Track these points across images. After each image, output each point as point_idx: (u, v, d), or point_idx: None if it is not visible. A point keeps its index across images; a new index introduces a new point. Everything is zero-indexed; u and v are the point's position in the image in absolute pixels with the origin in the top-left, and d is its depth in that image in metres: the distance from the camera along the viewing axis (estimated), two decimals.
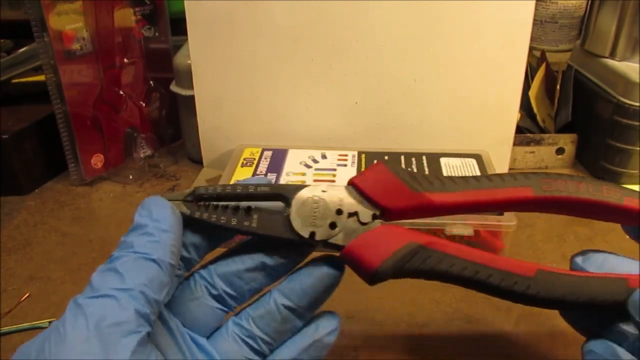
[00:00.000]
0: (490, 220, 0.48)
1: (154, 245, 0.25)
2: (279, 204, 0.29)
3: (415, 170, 0.55)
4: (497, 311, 0.43)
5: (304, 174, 0.55)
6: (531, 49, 0.63)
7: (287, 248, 0.29)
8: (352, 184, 0.29)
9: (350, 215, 0.29)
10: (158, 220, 0.26)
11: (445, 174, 0.54)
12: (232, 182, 0.54)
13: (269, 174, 0.55)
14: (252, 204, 0.29)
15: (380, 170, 0.29)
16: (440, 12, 0.55)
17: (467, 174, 0.54)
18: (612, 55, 0.59)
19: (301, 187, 0.29)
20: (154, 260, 0.25)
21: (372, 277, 0.28)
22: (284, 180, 0.54)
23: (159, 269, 0.25)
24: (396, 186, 0.29)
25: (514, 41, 0.56)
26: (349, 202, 0.29)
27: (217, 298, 0.29)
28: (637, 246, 0.50)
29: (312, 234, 0.28)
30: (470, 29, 0.56)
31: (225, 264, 0.29)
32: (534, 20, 0.58)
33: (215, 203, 0.29)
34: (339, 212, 0.29)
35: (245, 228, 0.28)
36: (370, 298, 0.44)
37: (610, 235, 0.52)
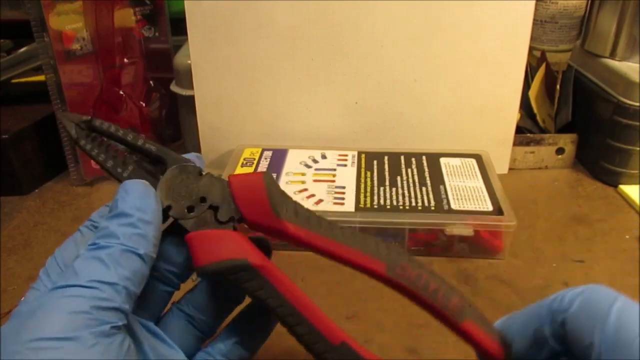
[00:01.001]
0: (490, 220, 0.48)
1: (139, 239, 0.25)
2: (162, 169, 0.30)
3: (415, 170, 0.55)
4: (497, 311, 0.43)
5: (303, 174, 0.55)
6: (531, 49, 0.63)
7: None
8: (228, 180, 0.29)
9: (212, 207, 0.29)
10: (142, 210, 0.26)
11: (445, 174, 0.55)
12: None
13: None
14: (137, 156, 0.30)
15: (258, 180, 0.29)
16: (440, 12, 0.55)
17: (467, 174, 0.55)
18: (612, 55, 0.59)
19: (183, 160, 0.30)
20: (139, 255, 0.25)
21: (197, 271, 0.28)
22: (284, 180, 0.54)
23: (143, 264, 0.25)
24: (263, 202, 0.28)
25: (514, 41, 0.56)
26: (216, 195, 0.29)
27: (162, 279, 0.29)
28: (637, 246, 0.50)
29: (168, 207, 0.29)
30: (470, 29, 0.56)
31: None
32: (534, 20, 0.58)
33: (105, 140, 0.30)
34: (203, 199, 0.29)
35: (116, 174, 0.29)
36: (370, 298, 0.44)
37: (610, 235, 0.52)
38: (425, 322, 0.43)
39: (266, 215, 0.28)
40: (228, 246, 0.28)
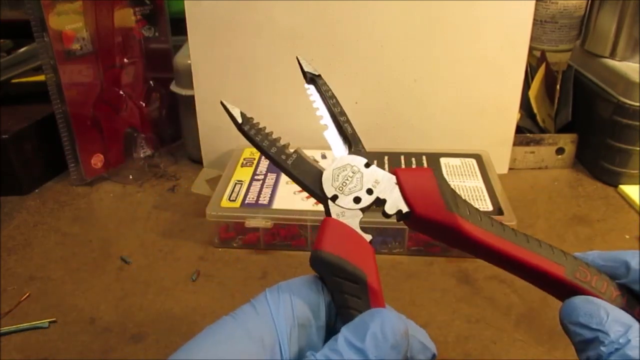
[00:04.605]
0: None
1: None
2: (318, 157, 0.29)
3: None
4: (497, 311, 0.43)
5: None
6: (531, 49, 0.63)
7: None
8: (394, 173, 0.29)
9: (378, 200, 0.28)
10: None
11: (445, 173, 0.54)
12: (232, 181, 0.54)
13: (269, 174, 0.55)
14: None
15: (427, 175, 0.28)
16: (440, 12, 0.55)
17: (467, 174, 0.55)
18: (612, 55, 0.59)
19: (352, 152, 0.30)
20: None
21: (313, 253, 0.27)
22: (284, 180, 0.54)
23: None
24: (434, 196, 0.28)
25: (514, 41, 0.56)
26: (384, 187, 0.29)
27: None
28: (637, 246, 0.50)
29: (334, 197, 0.28)
30: (470, 29, 0.56)
31: None
32: (534, 20, 0.58)
33: (265, 127, 0.30)
34: (370, 191, 0.29)
35: (280, 161, 0.29)
36: None
37: (610, 235, 0.52)
38: (425, 322, 0.43)
39: (438, 210, 0.28)
40: (357, 253, 0.27)
